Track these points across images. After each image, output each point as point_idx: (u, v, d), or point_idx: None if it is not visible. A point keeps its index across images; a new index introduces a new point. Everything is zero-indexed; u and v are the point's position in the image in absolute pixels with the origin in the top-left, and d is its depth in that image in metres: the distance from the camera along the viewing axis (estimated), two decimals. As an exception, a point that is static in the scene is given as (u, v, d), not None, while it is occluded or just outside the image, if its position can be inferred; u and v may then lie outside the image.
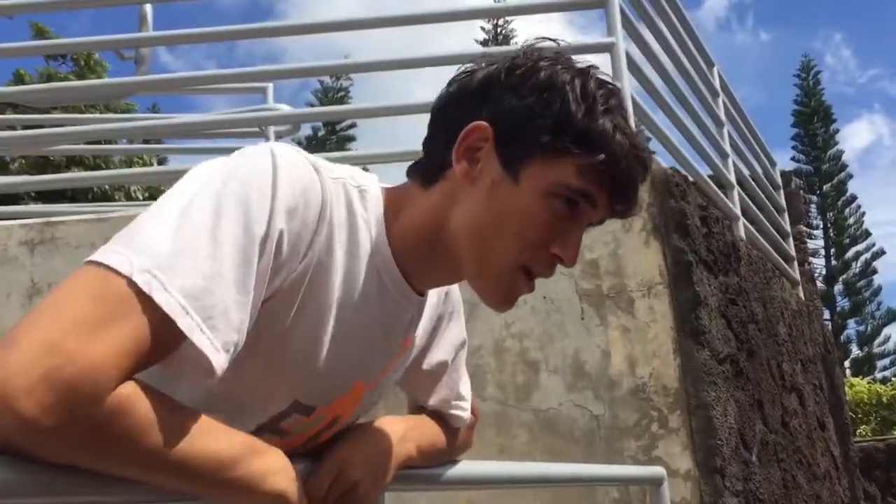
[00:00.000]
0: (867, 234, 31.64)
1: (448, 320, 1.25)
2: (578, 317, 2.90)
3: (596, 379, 2.83)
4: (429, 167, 1.05)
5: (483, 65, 1.05)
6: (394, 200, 1.04)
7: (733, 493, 2.69)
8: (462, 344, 1.29)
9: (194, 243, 0.82)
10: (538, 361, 2.90)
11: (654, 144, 4.59)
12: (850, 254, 31.51)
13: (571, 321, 2.90)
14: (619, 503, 2.68)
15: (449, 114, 1.05)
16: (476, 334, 2.91)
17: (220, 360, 0.81)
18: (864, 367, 29.03)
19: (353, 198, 0.99)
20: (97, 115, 7.13)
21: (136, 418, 0.74)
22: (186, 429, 0.79)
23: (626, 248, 2.93)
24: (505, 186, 0.99)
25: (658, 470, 2.12)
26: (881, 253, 31.26)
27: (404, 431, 1.16)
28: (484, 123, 1.00)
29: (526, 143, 0.99)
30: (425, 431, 1.22)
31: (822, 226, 32.27)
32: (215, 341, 0.81)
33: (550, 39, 1.07)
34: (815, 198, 31.89)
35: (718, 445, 2.69)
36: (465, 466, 1.35)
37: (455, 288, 1.24)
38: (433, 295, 1.18)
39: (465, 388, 1.30)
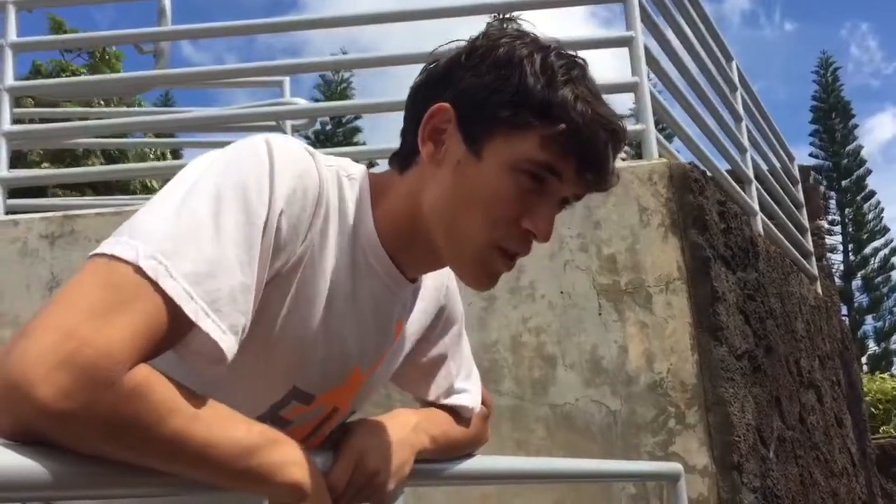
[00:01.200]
0: (886, 229, 31.71)
1: (449, 314, 1.25)
2: (596, 312, 2.90)
3: (613, 374, 2.83)
4: (403, 153, 1.07)
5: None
6: (377, 187, 1.05)
7: (751, 490, 2.69)
8: (460, 335, 1.29)
9: (196, 229, 0.83)
10: (555, 356, 2.89)
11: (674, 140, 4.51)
12: (868, 249, 31.57)
13: (589, 316, 2.90)
14: (637, 499, 2.69)
15: (417, 100, 1.06)
16: (492, 329, 2.92)
17: (228, 344, 0.82)
18: (880, 363, 29.02)
19: (343, 185, 1.01)
20: (113, 109, 7.16)
21: (155, 402, 0.75)
22: (204, 415, 0.79)
23: (644, 243, 2.93)
24: (469, 165, 0.99)
25: (675, 466, 2.13)
26: None
27: (416, 422, 1.16)
28: (445, 104, 1.01)
29: (486, 120, 0.99)
30: (437, 422, 1.21)
31: (840, 221, 32.28)
32: (222, 324, 0.81)
33: (510, 19, 1.10)
34: (833, 193, 31.80)
35: (736, 442, 2.68)
36: (482, 461, 1.34)
37: (454, 281, 1.24)
38: (431, 285, 1.18)
39: (467, 380, 1.29)
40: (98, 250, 0.80)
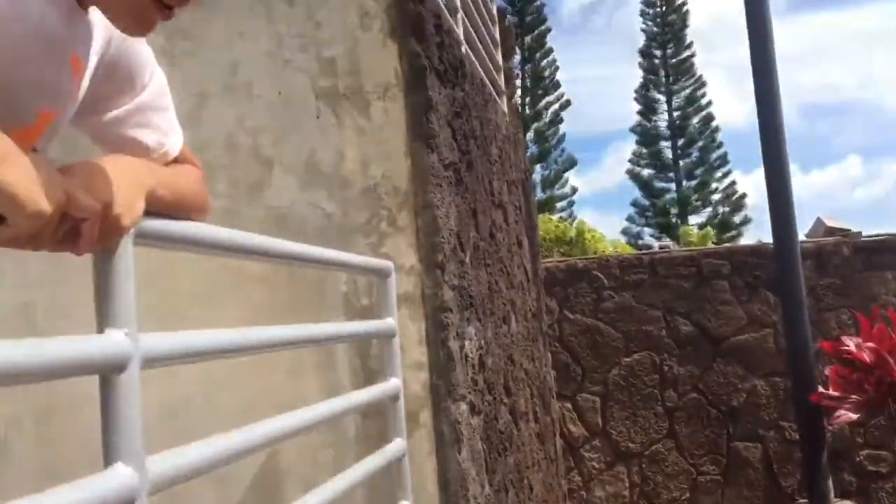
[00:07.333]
0: (559, 85, 34.17)
1: (127, 61, 1.13)
2: (314, 115, 2.87)
3: (329, 178, 2.84)
4: None
5: None
6: None
7: (451, 288, 2.81)
8: (149, 81, 1.17)
9: None
10: (271, 158, 2.86)
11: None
12: (542, 104, 33.98)
13: (307, 119, 2.87)
14: (347, 296, 2.78)
15: None
16: (204, 128, 2.83)
17: None
18: (544, 208, 29.00)
19: None
20: None
21: None
22: None
23: (364, 47, 2.92)
24: None
25: (387, 263, 2.25)
26: (568, 104, 34.15)
27: (141, 163, 1.07)
28: None
29: None
30: (162, 168, 1.14)
31: (519, 74, 32.28)
32: None
33: None
34: (516, 48, 28.82)
35: (441, 243, 2.79)
36: (207, 229, 1.31)
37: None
38: (100, 23, 1.05)
39: (170, 134, 1.21)
40: None
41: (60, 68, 0.99)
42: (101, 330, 1.02)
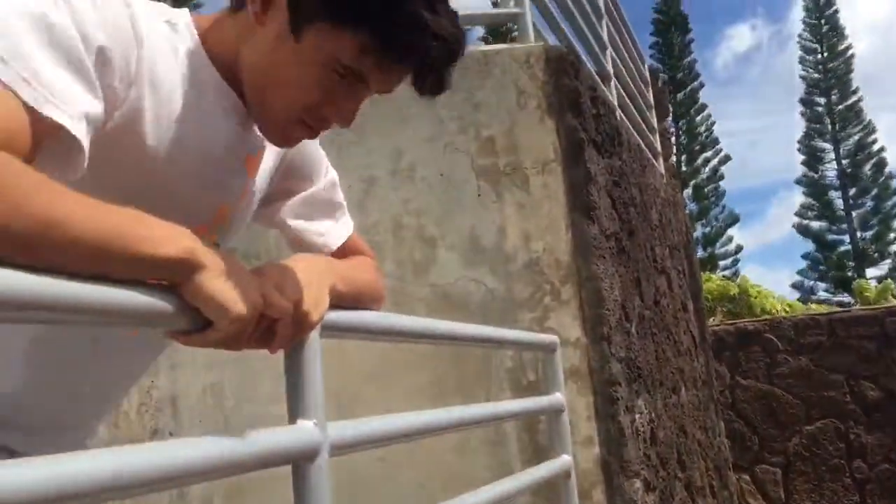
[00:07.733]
0: (716, 141, 33.15)
1: (295, 162, 1.22)
2: (475, 193, 2.95)
3: (492, 254, 2.89)
4: None
5: None
6: (204, 25, 1.03)
7: (618, 360, 2.77)
8: (322, 178, 1.27)
9: (22, 34, 0.78)
10: (435, 238, 2.94)
11: (538, 19, 3.88)
12: (699, 160, 32.94)
13: (468, 198, 2.94)
14: (513, 372, 2.78)
15: None
16: (372, 211, 2.96)
17: (76, 127, 0.79)
18: (706, 267, 28.17)
19: (166, 28, 0.98)
20: None
21: (9, 183, 0.69)
22: (71, 196, 0.73)
23: (522, 125, 2.97)
24: (287, 42, 0.96)
25: (552, 337, 2.22)
26: (727, 159, 33.16)
27: (324, 261, 1.13)
28: None
29: (314, 6, 0.94)
30: (341, 264, 1.19)
31: (674, 132, 30.12)
32: (66, 108, 0.78)
33: None
34: (669, 105, 25.33)
35: (606, 315, 2.78)
36: (385, 319, 1.34)
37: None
38: None
39: (339, 223, 1.29)
40: None
41: (238, 169, 1.10)
42: (292, 421, 1.07)
